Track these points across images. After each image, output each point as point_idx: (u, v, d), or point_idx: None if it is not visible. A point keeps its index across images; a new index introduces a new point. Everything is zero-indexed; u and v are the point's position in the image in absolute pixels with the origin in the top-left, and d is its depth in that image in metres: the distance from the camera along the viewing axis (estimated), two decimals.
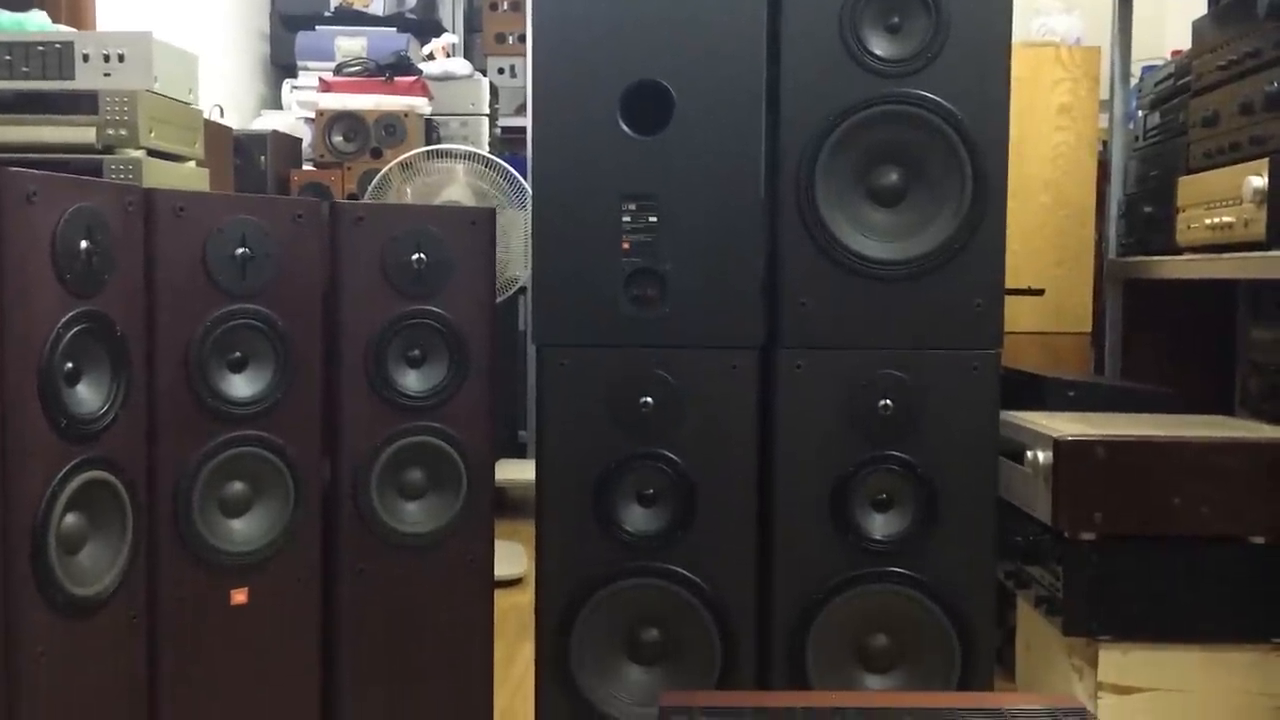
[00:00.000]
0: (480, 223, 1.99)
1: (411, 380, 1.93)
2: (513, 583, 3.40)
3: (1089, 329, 3.25)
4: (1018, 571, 2.34)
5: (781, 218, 1.93)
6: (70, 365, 1.51)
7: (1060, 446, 2.10)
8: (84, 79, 2.33)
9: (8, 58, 2.32)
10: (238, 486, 1.77)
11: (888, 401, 1.93)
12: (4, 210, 1.40)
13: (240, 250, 1.75)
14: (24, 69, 2.31)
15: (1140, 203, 2.99)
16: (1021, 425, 2.29)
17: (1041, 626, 2.28)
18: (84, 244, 1.52)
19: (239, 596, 1.76)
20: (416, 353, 1.94)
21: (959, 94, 1.89)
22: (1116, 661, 2.10)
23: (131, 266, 1.63)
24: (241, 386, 1.77)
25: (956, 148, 1.90)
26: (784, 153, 1.92)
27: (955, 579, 1.93)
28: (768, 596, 1.97)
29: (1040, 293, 2.99)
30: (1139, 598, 2.09)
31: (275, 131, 3.98)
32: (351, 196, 3.84)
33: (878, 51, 1.89)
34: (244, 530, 1.78)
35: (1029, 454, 2.17)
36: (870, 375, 1.94)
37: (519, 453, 4.89)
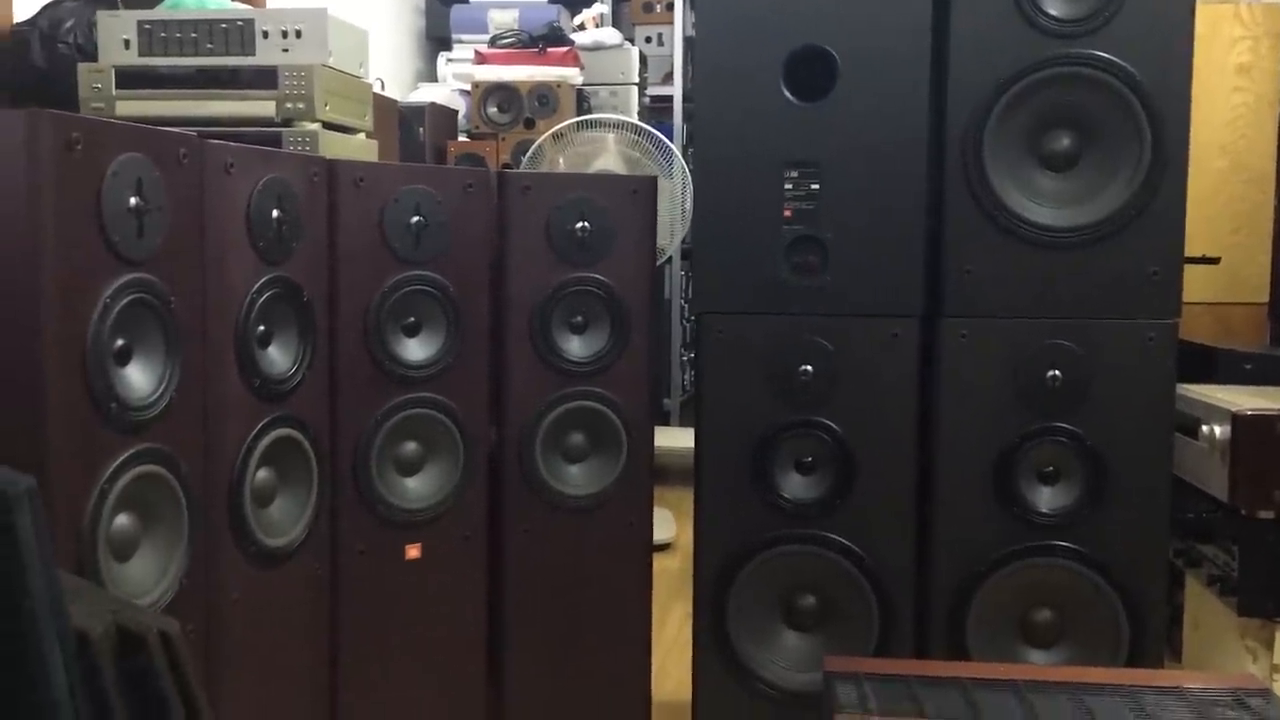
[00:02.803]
0: (641, 191, 2.01)
1: (574, 346, 1.97)
2: (662, 548, 3.45)
3: (1266, 299, 3.10)
4: (1188, 550, 2.27)
5: (948, 183, 1.90)
6: (263, 328, 1.59)
7: (1239, 421, 2.02)
8: (264, 55, 2.43)
9: (193, 35, 2.43)
10: (411, 446, 1.84)
11: (1056, 372, 1.89)
12: (205, 181, 1.48)
13: (415, 219, 1.81)
14: (208, 45, 2.42)
15: None
16: (1196, 399, 2.21)
17: (1213, 606, 2.21)
18: (275, 213, 1.60)
19: (413, 551, 1.84)
20: (579, 319, 1.97)
21: (1138, 55, 1.83)
22: None
23: (316, 235, 1.71)
24: (416, 350, 1.83)
25: (1135, 111, 1.83)
26: (951, 116, 1.89)
27: (1125, 555, 1.88)
28: (927, 567, 1.95)
29: (1216, 261, 2.86)
30: None
31: (433, 104, 4.08)
32: (506, 166, 3.91)
33: (1052, 11, 1.84)
34: (417, 488, 1.85)
35: (1204, 428, 2.10)
36: (1038, 345, 1.89)
37: (663, 420, 4.93)
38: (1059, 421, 1.89)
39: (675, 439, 4.26)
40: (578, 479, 1.99)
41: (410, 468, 1.85)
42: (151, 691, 1.00)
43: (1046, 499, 1.91)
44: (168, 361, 1.39)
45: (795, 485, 1.97)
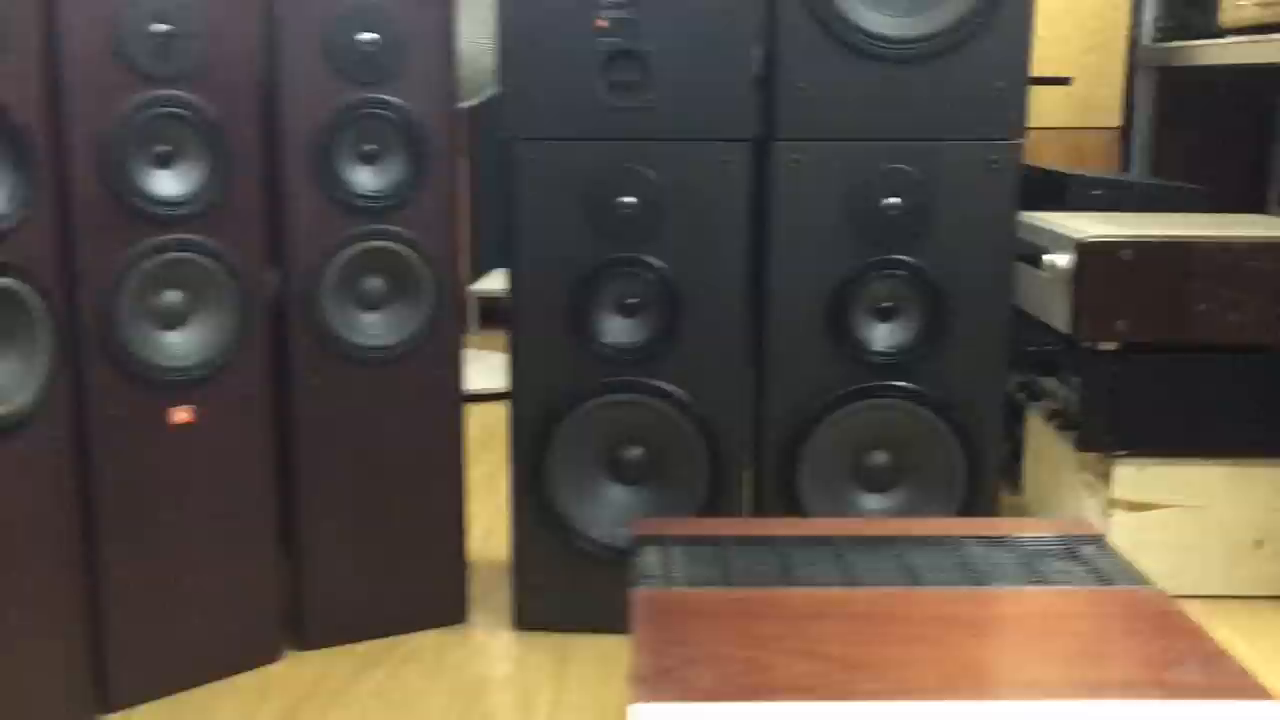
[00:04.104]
0: None
1: (365, 179, 1.74)
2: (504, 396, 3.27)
3: (1118, 123, 3.01)
4: (1029, 384, 2.19)
5: None
6: None
7: (1083, 248, 1.92)
8: None
9: None
10: (173, 297, 1.61)
11: (894, 200, 1.74)
12: None
13: (159, 26, 1.53)
14: None
15: None
16: (1041, 226, 2.10)
17: (1052, 441, 2.15)
18: None
19: (181, 415, 1.62)
20: (371, 148, 1.74)
21: None
22: (1131, 477, 1.97)
23: (27, 42, 1.42)
24: (169, 185, 1.58)
25: None
26: None
27: (963, 393, 1.79)
28: (759, 412, 1.83)
29: (1067, 81, 2.74)
30: (1159, 411, 1.95)
31: None
32: None
33: None
34: (182, 344, 1.62)
35: (1048, 257, 1.99)
36: (876, 170, 1.74)
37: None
38: (897, 254, 1.76)
39: None
40: (376, 328, 1.79)
41: (173, 321, 1.61)
42: None
43: (883, 336, 1.79)
44: None
45: (618, 329, 1.80)
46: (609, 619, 1.81)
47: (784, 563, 1.22)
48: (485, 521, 2.34)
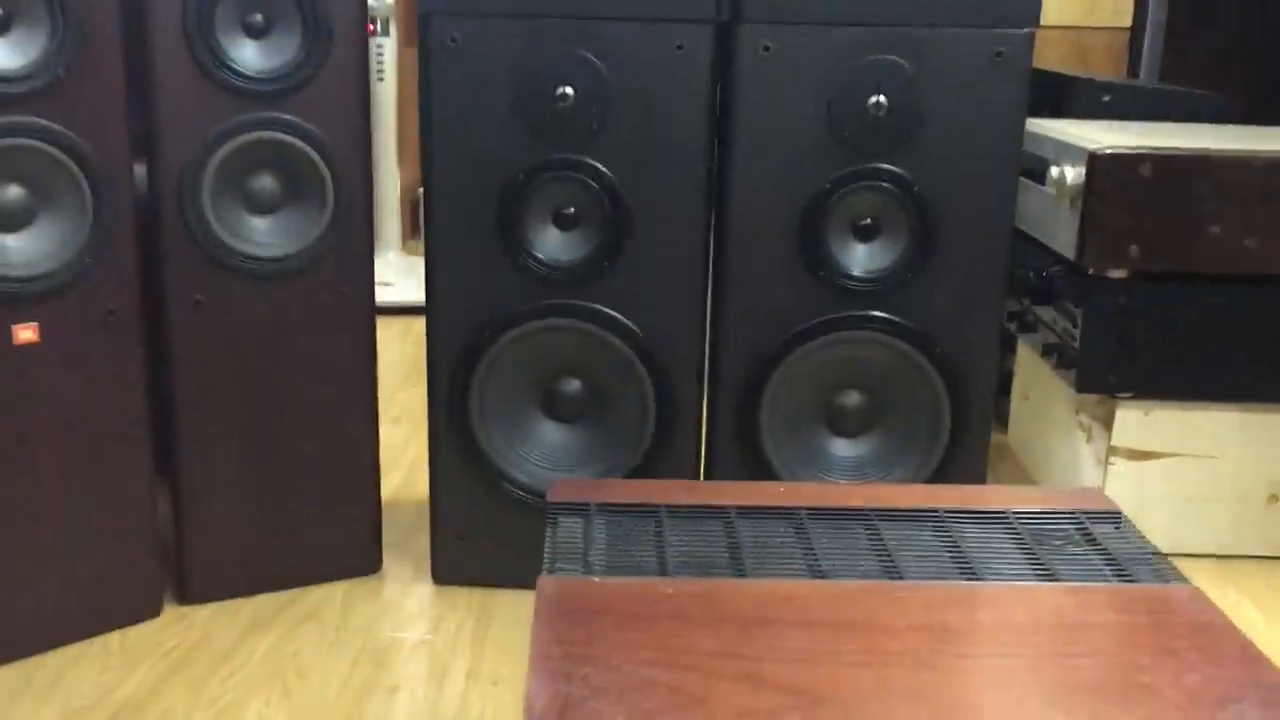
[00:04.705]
0: None
1: (251, 55, 1.45)
2: None
3: (1127, 24, 2.72)
4: (1023, 313, 1.96)
5: None
6: None
7: (1096, 161, 1.66)
8: None
9: None
10: (11, 193, 1.33)
11: (880, 98, 1.47)
12: None
13: None
14: None
15: None
16: (1045, 136, 1.84)
17: (1046, 377, 1.92)
18: None
19: (25, 333, 1.36)
20: (258, 18, 1.45)
21: None
22: (1135, 422, 1.75)
23: None
24: (2, 55, 1.29)
25: None
26: None
27: (952, 327, 1.54)
28: (716, 344, 1.58)
29: None
30: (1170, 349, 1.71)
31: None
32: None
33: None
34: (22, 249, 1.35)
35: (1053, 170, 1.74)
36: (859, 62, 1.47)
37: None
38: (881, 162, 1.50)
39: None
40: (267, 235, 1.52)
41: (11, 223, 1.34)
42: None
43: (862, 259, 1.54)
44: None
45: (554, 244, 1.54)
46: (538, 572, 1.59)
47: (732, 542, 0.98)
48: (416, 453, 2.10)
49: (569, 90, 1.48)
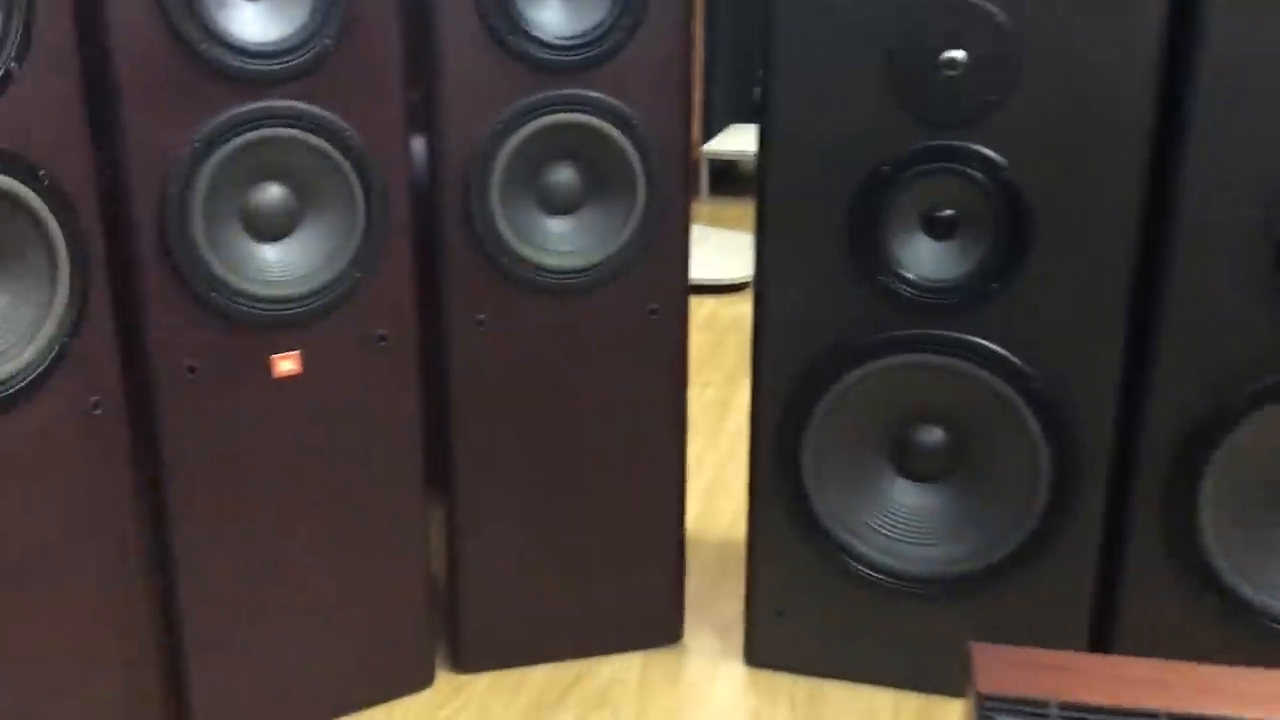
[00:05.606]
0: None
1: (552, 18, 1.15)
2: (739, 288, 2.66)
3: None
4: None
5: None
6: None
7: None
8: None
9: None
10: (270, 194, 1.09)
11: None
12: None
13: None
14: None
15: None
16: None
17: None
18: None
19: (285, 364, 1.13)
20: None
21: None
22: None
23: None
24: (254, 25, 1.04)
25: None
26: None
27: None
28: (1143, 394, 1.18)
29: None
30: None
31: None
32: None
33: None
34: (284, 262, 1.10)
35: None
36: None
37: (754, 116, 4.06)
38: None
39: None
40: (564, 240, 1.23)
41: (268, 229, 1.10)
42: None
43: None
44: None
45: (924, 257, 1.19)
46: (874, 665, 1.27)
47: None
48: (712, 475, 1.81)
49: (958, 55, 1.11)
